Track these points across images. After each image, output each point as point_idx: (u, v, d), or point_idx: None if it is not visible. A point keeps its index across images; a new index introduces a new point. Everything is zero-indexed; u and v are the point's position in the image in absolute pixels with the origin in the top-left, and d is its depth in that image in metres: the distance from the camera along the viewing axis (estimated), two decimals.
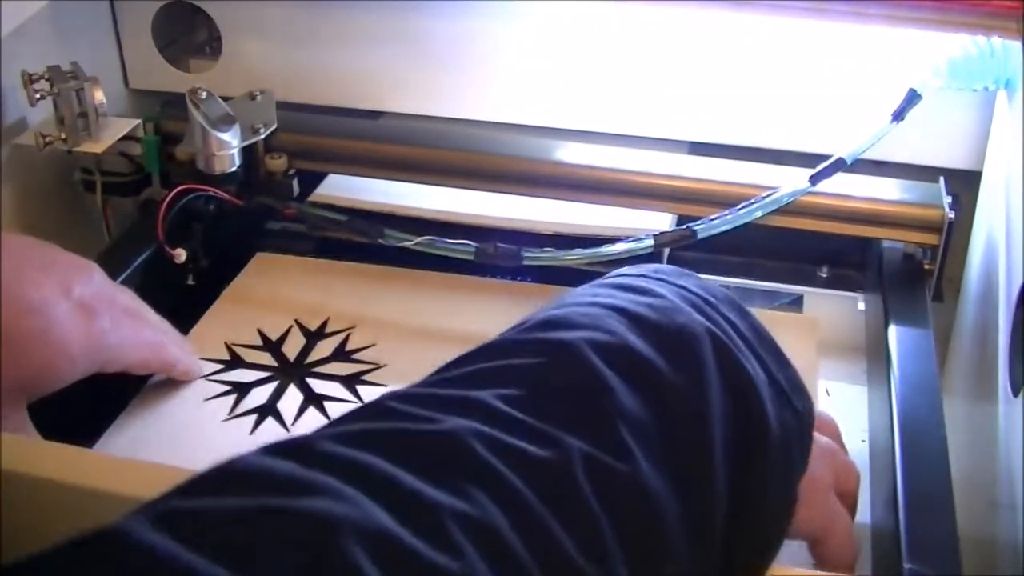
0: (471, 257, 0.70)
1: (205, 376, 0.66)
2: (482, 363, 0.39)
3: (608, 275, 0.47)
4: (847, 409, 0.68)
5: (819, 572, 0.48)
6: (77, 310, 0.57)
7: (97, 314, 0.58)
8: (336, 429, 0.35)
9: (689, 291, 0.44)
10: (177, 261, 0.72)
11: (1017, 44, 0.68)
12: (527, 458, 0.34)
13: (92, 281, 0.59)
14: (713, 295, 0.44)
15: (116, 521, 0.28)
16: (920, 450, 0.56)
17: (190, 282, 0.75)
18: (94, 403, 0.62)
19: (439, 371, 0.40)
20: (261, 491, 0.30)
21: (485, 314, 0.72)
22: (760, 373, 0.42)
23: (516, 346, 0.40)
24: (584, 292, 0.44)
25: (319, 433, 0.34)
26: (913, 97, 0.72)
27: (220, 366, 0.67)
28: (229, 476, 0.32)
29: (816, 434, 0.49)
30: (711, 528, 0.38)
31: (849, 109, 0.79)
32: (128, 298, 0.62)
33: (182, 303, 0.72)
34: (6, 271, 0.54)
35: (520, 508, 0.33)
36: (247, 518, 0.29)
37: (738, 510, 0.40)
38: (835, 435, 0.52)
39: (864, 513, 0.59)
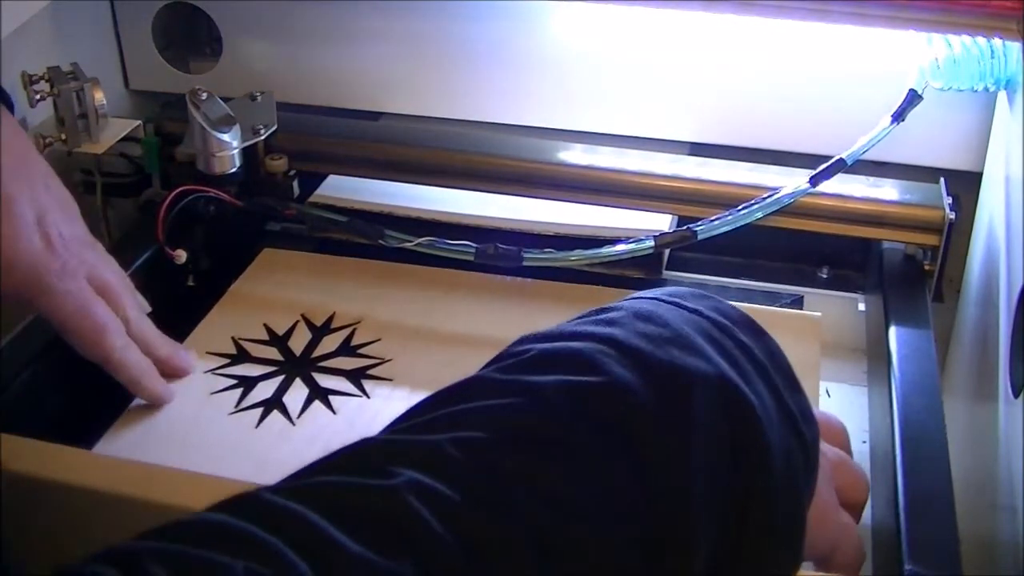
0: (471, 258, 0.70)
1: (212, 370, 0.66)
2: (458, 404, 0.39)
3: (626, 298, 0.46)
4: (847, 410, 0.68)
5: (818, 573, 0.48)
6: (41, 234, 0.58)
7: (54, 252, 0.59)
8: (297, 483, 0.36)
9: (702, 316, 0.43)
10: (177, 262, 0.72)
11: (1017, 44, 0.68)
12: (462, 511, 0.35)
13: (72, 225, 0.60)
14: (728, 318, 0.43)
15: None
16: (920, 451, 0.57)
17: (191, 283, 0.75)
18: (102, 395, 0.62)
19: (420, 409, 0.40)
20: (200, 540, 0.32)
21: (489, 310, 0.72)
22: (768, 401, 0.41)
23: (491, 388, 0.40)
24: (587, 318, 0.43)
25: (282, 486, 0.36)
26: (913, 98, 0.72)
27: (227, 360, 0.67)
28: (184, 525, 0.34)
29: (824, 444, 0.48)
30: (681, 570, 0.38)
31: (849, 110, 0.79)
32: (106, 269, 0.63)
33: (183, 304, 0.72)
34: (8, 158, 0.56)
35: (442, 560, 0.34)
36: (179, 561, 0.31)
37: (741, 547, 0.39)
38: (843, 441, 0.52)
39: (865, 514, 0.59)
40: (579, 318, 0.44)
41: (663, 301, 0.44)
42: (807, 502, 0.42)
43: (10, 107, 0.60)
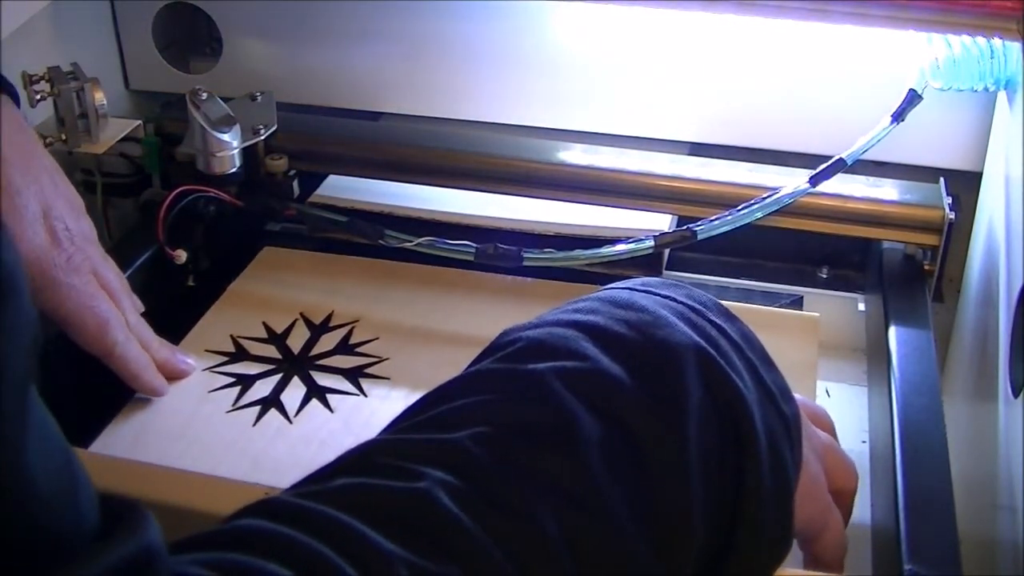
0: (471, 258, 0.70)
1: (210, 368, 0.66)
2: (461, 399, 0.40)
3: (598, 291, 0.47)
4: (847, 410, 0.68)
5: (815, 573, 0.48)
6: (46, 228, 0.58)
7: (59, 246, 0.59)
8: (319, 486, 0.36)
9: (675, 301, 0.44)
10: (177, 262, 0.72)
11: (1017, 44, 0.68)
12: (493, 510, 0.35)
13: (78, 220, 0.60)
14: (701, 303, 0.44)
15: None
16: (920, 451, 0.56)
17: (191, 283, 0.75)
18: (100, 392, 0.62)
19: (422, 406, 0.41)
20: (245, 548, 0.32)
21: (488, 309, 0.72)
22: (748, 380, 0.42)
23: (491, 379, 0.41)
24: (566, 308, 0.44)
25: (303, 490, 0.36)
26: (913, 98, 0.72)
27: (225, 358, 0.67)
28: (224, 534, 0.33)
29: (815, 429, 0.49)
30: (685, 550, 0.38)
31: (849, 110, 0.79)
32: (107, 267, 0.63)
33: (183, 304, 0.72)
34: (15, 152, 0.56)
35: (483, 561, 0.34)
36: (212, 565, 0.31)
37: (734, 521, 0.40)
38: (829, 430, 0.52)
39: (864, 514, 0.59)
40: (555, 310, 0.44)
41: (636, 290, 0.44)
42: (794, 475, 0.42)
43: (16, 101, 0.60)
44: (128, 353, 0.62)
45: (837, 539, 0.49)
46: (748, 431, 0.40)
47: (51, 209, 0.59)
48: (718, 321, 0.43)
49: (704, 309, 0.44)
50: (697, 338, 0.41)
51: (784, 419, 0.42)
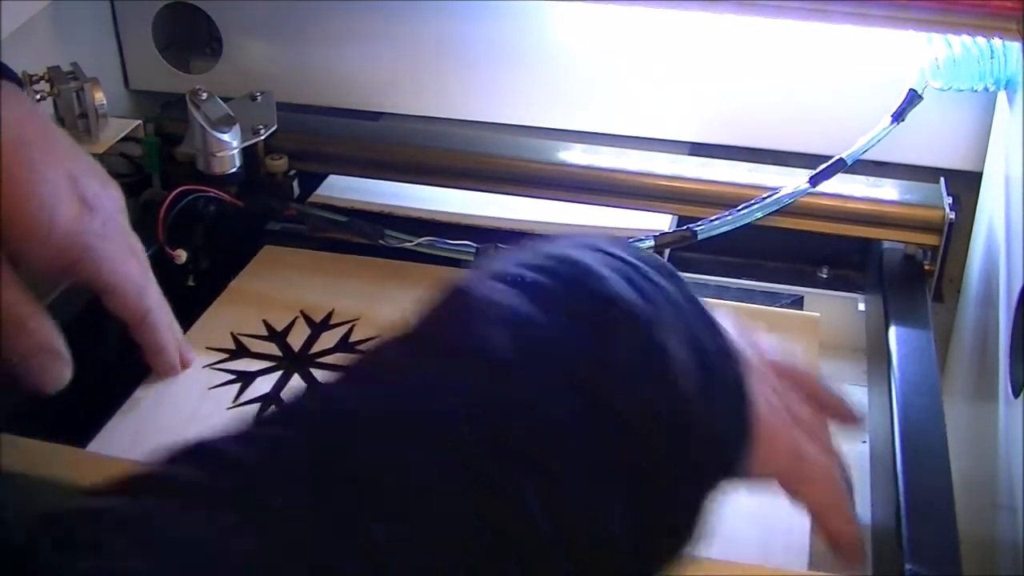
0: (471, 258, 0.70)
1: (210, 365, 0.66)
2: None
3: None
4: None
5: (818, 573, 0.48)
6: (76, 197, 0.57)
7: (92, 212, 0.58)
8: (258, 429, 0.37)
9: (614, 257, 0.43)
10: (177, 262, 0.72)
11: (1017, 44, 0.68)
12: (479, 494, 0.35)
13: (105, 187, 0.60)
14: (644, 261, 0.43)
15: None
16: (920, 451, 0.56)
17: (191, 283, 0.75)
18: (100, 388, 0.62)
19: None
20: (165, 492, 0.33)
21: None
22: (683, 335, 0.40)
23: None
24: (506, 260, 0.44)
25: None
26: (913, 98, 0.72)
27: (226, 355, 0.67)
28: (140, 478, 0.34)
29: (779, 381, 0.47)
30: (657, 540, 0.37)
31: (849, 110, 0.79)
32: (134, 239, 0.62)
33: (183, 304, 0.72)
34: (30, 131, 0.55)
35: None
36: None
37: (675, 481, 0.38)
38: (812, 385, 0.50)
39: (864, 514, 0.59)
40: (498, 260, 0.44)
41: (577, 246, 0.44)
42: (733, 433, 0.41)
43: (19, 87, 0.59)
44: (159, 321, 0.62)
45: (824, 490, 0.45)
46: (676, 387, 0.38)
47: (78, 180, 0.58)
48: (658, 281, 0.42)
49: (645, 268, 0.42)
50: (630, 294, 0.40)
51: (720, 378, 0.40)
